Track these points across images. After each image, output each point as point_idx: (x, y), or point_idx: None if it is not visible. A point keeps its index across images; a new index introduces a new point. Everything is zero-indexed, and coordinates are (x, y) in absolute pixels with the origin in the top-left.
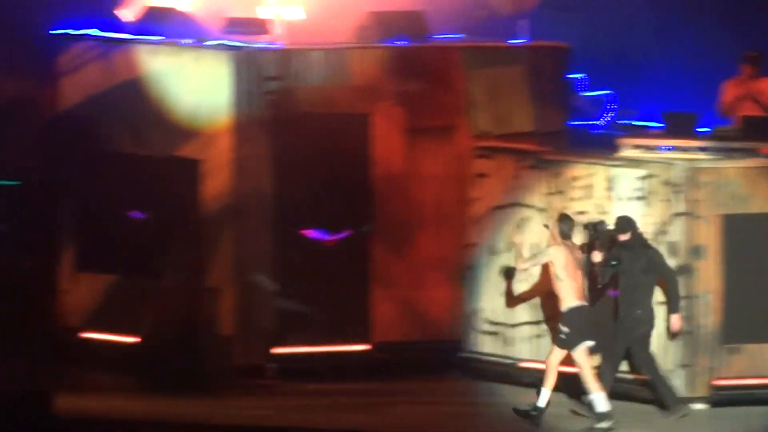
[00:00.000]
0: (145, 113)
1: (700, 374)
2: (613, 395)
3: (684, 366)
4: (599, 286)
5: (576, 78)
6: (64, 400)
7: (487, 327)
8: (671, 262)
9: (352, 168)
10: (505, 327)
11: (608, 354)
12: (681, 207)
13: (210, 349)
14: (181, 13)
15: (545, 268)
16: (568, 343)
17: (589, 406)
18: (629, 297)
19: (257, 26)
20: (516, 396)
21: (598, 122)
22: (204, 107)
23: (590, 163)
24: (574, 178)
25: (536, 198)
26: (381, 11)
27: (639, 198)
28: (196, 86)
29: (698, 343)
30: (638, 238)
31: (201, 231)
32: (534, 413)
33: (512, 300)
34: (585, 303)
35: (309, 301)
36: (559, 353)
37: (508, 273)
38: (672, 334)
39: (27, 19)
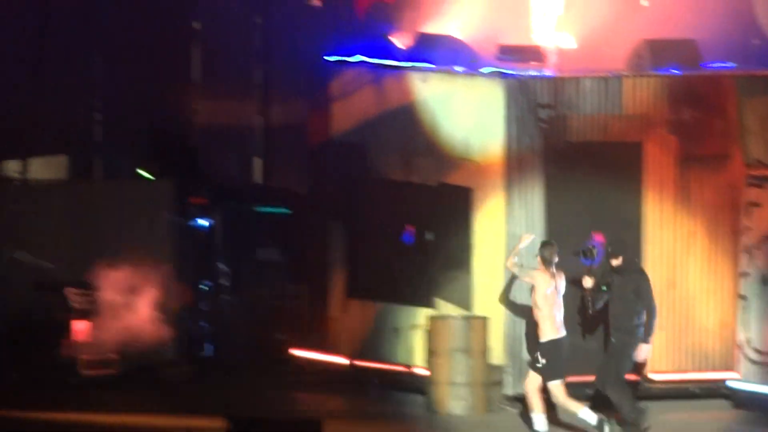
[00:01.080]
0: (416, 140)
1: None
2: None
3: None
4: (591, 313)
5: None
6: (335, 428)
7: (755, 356)
8: None
9: (624, 196)
10: None
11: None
12: None
13: (479, 377)
14: (453, 40)
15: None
16: (544, 374)
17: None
18: (620, 322)
19: (530, 53)
20: None
21: None
22: (476, 134)
23: None
24: None
25: None
26: (654, 39)
27: None
28: (468, 113)
29: None
30: (630, 263)
31: (472, 258)
32: None
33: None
34: (561, 336)
35: (577, 330)
36: (536, 378)
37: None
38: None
39: (301, 44)
